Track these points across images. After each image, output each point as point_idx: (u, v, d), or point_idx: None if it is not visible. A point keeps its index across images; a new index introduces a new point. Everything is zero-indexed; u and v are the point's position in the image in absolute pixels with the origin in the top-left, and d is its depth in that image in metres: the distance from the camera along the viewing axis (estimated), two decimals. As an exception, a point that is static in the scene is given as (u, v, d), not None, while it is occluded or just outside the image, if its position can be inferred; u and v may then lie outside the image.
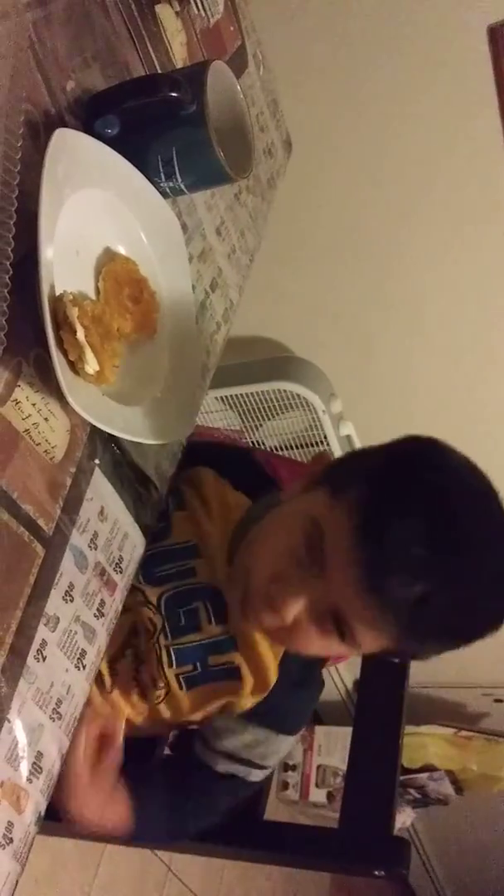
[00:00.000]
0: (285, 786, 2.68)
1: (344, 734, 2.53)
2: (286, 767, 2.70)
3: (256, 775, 0.93)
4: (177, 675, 0.89)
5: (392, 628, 0.72)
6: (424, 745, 2.61)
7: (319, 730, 2.75)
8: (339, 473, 0.82)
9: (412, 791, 2.66)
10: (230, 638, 0.88)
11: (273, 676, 0.88)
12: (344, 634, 0.75)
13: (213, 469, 0.95)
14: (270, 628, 0.79)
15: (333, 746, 2.69)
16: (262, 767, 0.93)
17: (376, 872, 0.95)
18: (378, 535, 0.70)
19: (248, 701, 0.89)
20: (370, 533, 0.71)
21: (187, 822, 0.93)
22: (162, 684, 0.89)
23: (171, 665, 0.88)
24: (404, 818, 2.68)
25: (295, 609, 0.75)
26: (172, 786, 0.92)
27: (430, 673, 2.45)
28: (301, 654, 0.82)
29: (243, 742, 0.91)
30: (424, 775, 2.63)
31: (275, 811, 2.57)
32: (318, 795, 2.64)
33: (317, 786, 2.66)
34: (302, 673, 0.92)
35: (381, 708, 1.21)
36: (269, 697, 0.89)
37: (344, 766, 1.12)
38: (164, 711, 0.90)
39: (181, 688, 0.89)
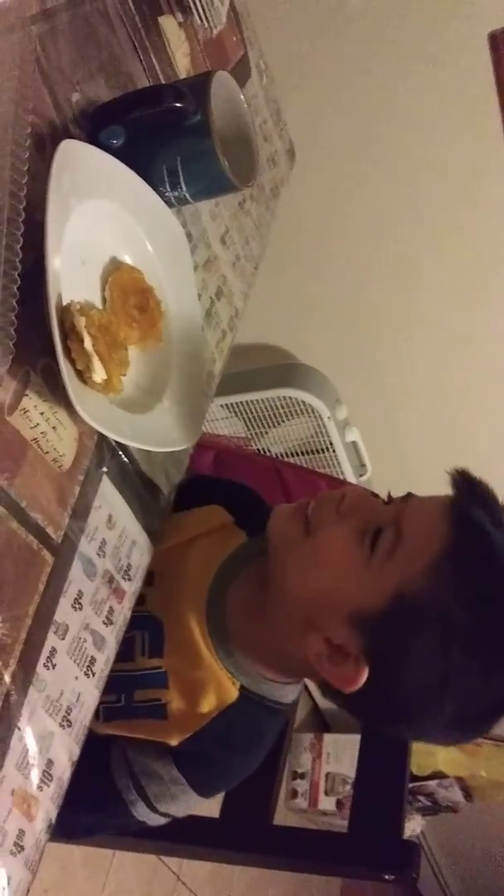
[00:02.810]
0: (294, 794, 2.67)
1: (352, 742, 2.52)
2: (295, 776, 2.69)
3: (139, 811, 0.82)
4: (99, 705, 0.81)
5: (446, 539, 0.70)
6: (433, 751, 2.60)
7: (328, 737, 2.74)
8: None
9: (422, 798, 2.65)
10: (161, 673, 0.82)
11: (198, 725, 0.81)
12: (376, 546, 0.72)
13: (224, 504, 0.94)
14: (312, 515, 0.78)
15: (342, 754, 2.68)
16: (149, 806, 0.82)
17: (386, 876, 0.95)
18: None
19: (174, 739, 0.81)
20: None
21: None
22: None
23: None
24: (414, 825, 2.67)
25: (358, 501, 0.76)
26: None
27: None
28: (313, 564, 0.78)
29: (151, 769, 0.81)
30: (434, 782, 2.62)
31: (284, 819, 2.56)
32: (327, 803, 2.63)
33: (326, 794, 2.65)
34: (242, 739, 0.85)
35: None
36: (201, 742, 0.81)
37: (353, 774, 1.11)
38: None
39: (98, 717, 0.79)
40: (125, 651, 0.79)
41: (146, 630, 0.83)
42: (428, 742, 0.81)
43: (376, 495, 0.84)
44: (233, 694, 0.82)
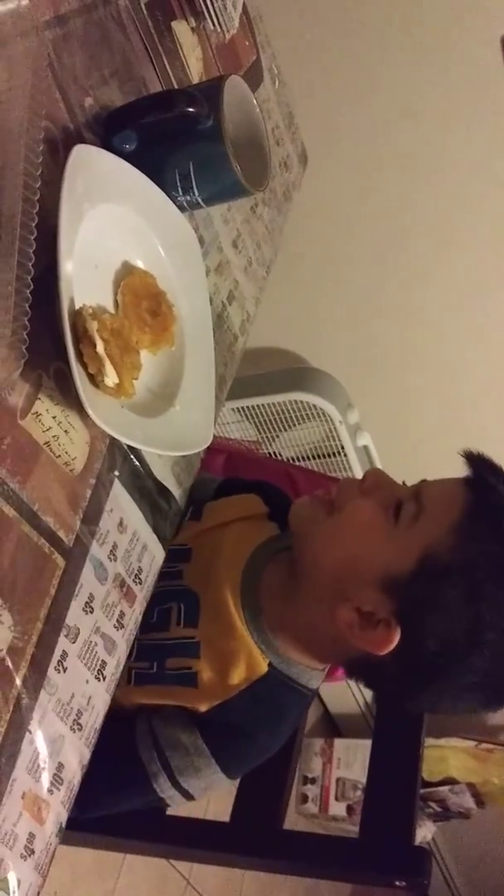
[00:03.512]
0: (304, 799, 2.66)
1: (363, 747, 2.51)
2: (305, 780, 2.69)
3: (160, 785, 0.83)
4: (130, 669, 0.84)
5: (463, 507, 0.77)
6: (445, 757, 2.59)
7: (339, 742, 2.73)
8: None
9: (433, 804, 2.64)
10: (195, 643, 0.85)
11: (227, 695, 0.83)
12: (399, 516, 0.78)
13: (261, 496, 0.99)
14: (336, 492, 0.83)
15: (353, 759, 2.68)
16: (171, 779, 0.83)
17: (397, 883, 0.94)
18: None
19: (203, 706, 0.83)
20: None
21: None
22: None
23: (129, 657, 0.83)
24: (425, 832, 2.66)
25: (380, 481, 0.82)
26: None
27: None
28: (328, 543, 0.83)
29: (176, 739, 0.83)
30: (445, 788, 2.61)
31: (294, 824, 2.56)
32: (337, 809, 2.62)
33: (336, 799, 2.64)
34: (266, 712, 0.87)
35: (400, 720, 1.20)
36: (228, 713, 0.83)
37: (364, 779, 1.11)
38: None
39: (130, 681, 0.83)
40: (160, 621, 0.85)
41: (182, 602, 0.87)
42: (459, 710, 0.82)
43: None
44: (262, 667, 0.85)
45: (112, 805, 0.88)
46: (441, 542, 0.76)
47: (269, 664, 0.85)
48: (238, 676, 0.84)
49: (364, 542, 0.80)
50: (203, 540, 0.92)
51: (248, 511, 0.97)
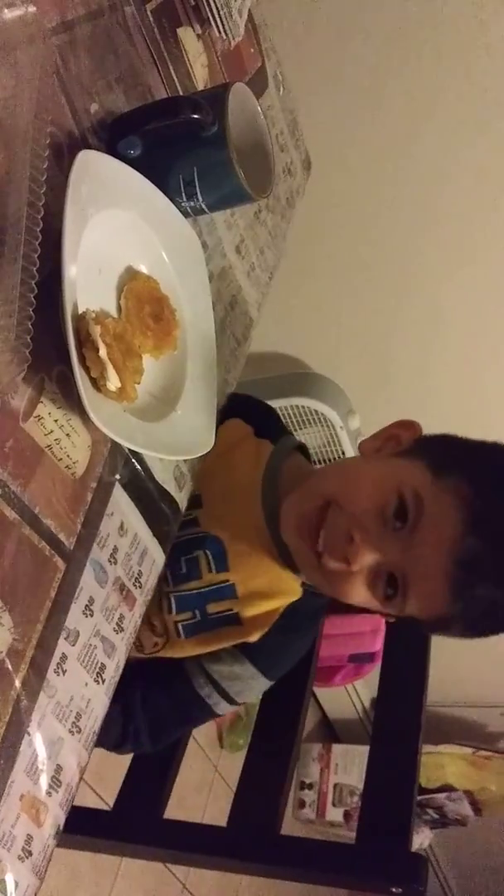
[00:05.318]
0: (302, 804, 2.66)
1: (361, 752, 2.51)
2: (303, 786, 2.69)
3: (222, 708, 0.94)
4: (176, 623, 0.91)
5: (449, 608, 0.78)
6: (442, 764, 2.59)
7: (336, 748, 2.73)
8: (441, 454, 0.85)
9: (430, 811, 2.64)
10: (230, 585, 0.91)
11: (272, 621, 0.91)
12: (392, 597, 0.80)
13: (240, 416, 1.00)
14: (325, 567, 0.82)
15: (350, 765, 2.68)
16: (232, 702, 0.94)
17: (393, 889, 0.94)
18: (484, 535, 0.76)
19: (253, 637, 0.91)
20: (476, 531, 0.76)
21: (141, 713, 0.92)
22: (161, 631, 0.92)
23: (170, 612, 0.91)
24: (422, 839, 2.65)
25: (367, 562, 0.80)
26: (152, 679, 0.93)
27: (448, 692, 2.44)
28: (336, 598, 0.86)
29: (229, 671, 0.92)
30: (442, 795, 2.61)
31: (291, 830, 2.55)
32: (334, 814, 2.62)
33: (333, 805, 2.64)
34: (303, 621, 0.96)
35: (398, 726, 1.20)
36: (273, 635, 0.92)
37: (361, 785, 1.11)
38: (166, 654, 0.93)
39: (179, 635, 0.91)
40: (190, 571, 0.91)
41: (208, 549, 0.91)
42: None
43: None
44: (297, 591, 0.93)
45: (180, 732, 0.99)
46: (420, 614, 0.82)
47: (303, 583, 0.92)
48: (278, 604, 0.91)
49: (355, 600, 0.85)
50: (206, 482, 0.91)
51: (235, 437, 0.99)
